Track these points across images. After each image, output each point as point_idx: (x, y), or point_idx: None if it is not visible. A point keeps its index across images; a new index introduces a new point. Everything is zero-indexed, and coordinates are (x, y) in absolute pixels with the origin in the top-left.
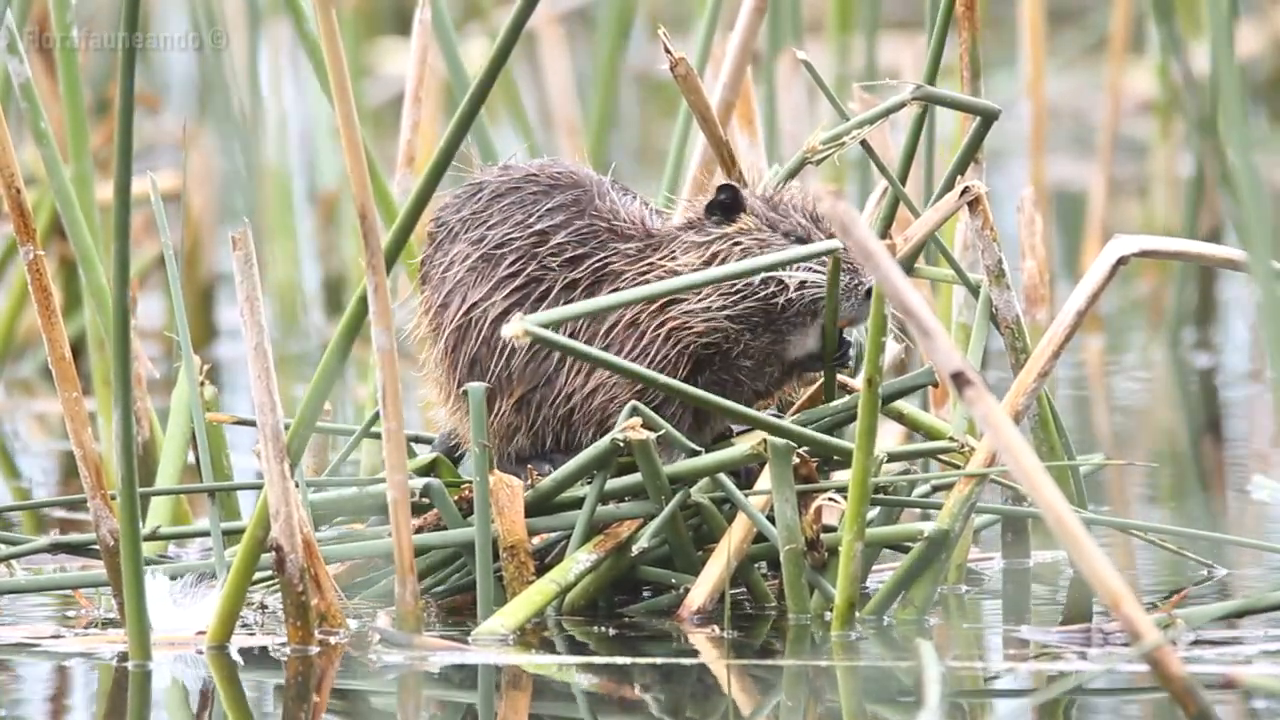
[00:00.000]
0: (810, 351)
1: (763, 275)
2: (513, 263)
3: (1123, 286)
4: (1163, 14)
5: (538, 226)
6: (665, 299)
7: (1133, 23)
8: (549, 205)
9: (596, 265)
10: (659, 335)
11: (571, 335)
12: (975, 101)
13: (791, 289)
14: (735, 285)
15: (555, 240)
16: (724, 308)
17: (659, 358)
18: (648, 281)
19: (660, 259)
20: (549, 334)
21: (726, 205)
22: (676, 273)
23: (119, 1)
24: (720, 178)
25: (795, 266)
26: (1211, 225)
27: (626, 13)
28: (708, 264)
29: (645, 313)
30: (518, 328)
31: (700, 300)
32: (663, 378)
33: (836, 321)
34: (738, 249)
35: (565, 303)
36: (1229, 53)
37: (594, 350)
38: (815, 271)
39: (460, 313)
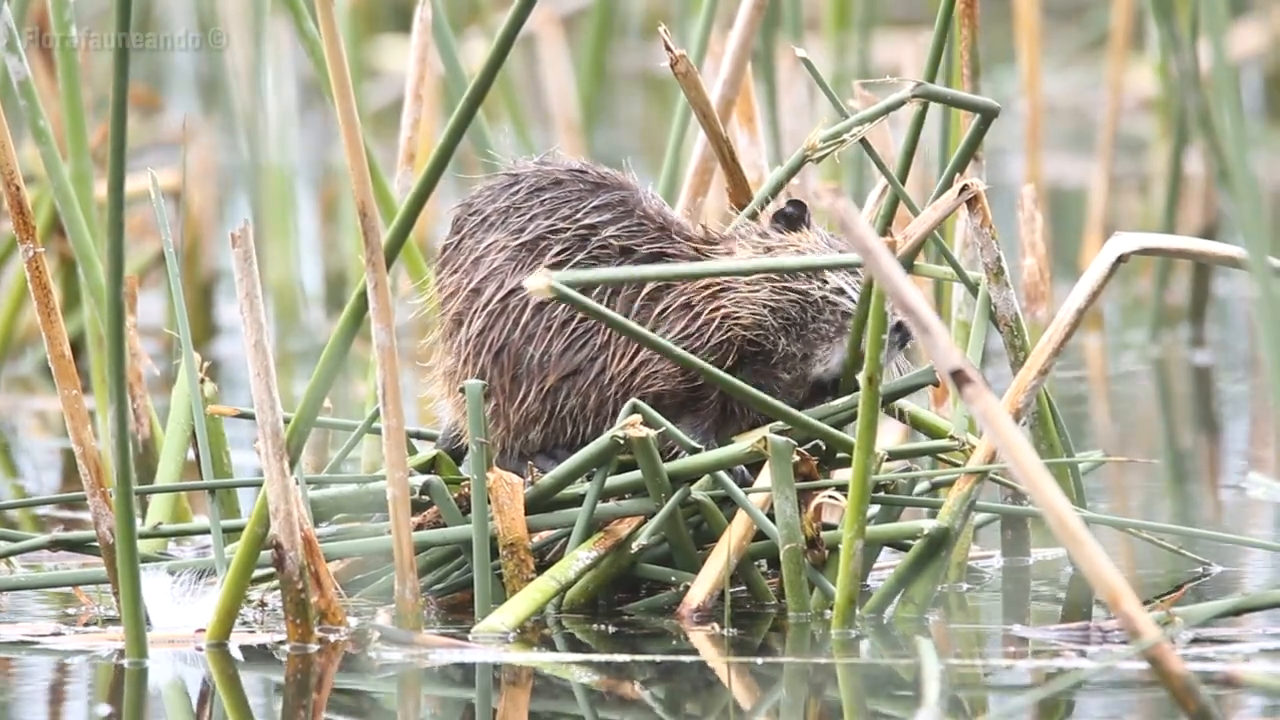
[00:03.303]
0: (832, 372)
1: (806, 271)
2: (559, 253)
3: (1121, 284)
4: (1162, 12)
5: (586, 221)
6: (719, 286)
7: (1133, 20)
8: (595, 203)
9: (651, 254)
10: (713, 320)
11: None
12: (975, 98)
13: (829, 286)
14: (782, 275)
15: (605, 233)
16: (766, 299)
17: (710, 342)
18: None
19: (716, 249)
20: (570, 291)
21: (792, 218)
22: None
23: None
24: (719, 174)
25: (838, 274)
26: (1206, 221)
27: (608, 11)
28: (759, 253)
29: (700, 296)
30: (541, 282)
31: (750, 289)
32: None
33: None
34: (789, 249)
35: (614, 293)
36: (1223, 53)
37: (617, 316)
38: (855, 289)
39: (496, 299)
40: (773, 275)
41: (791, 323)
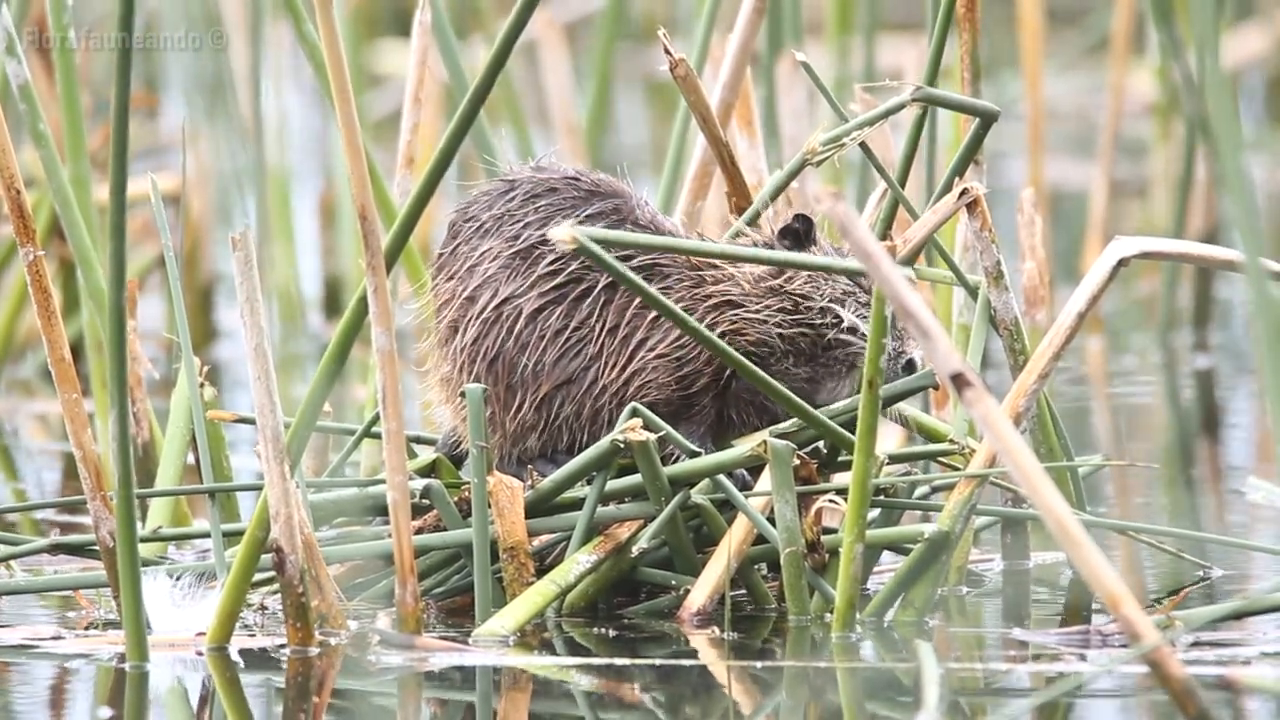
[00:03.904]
0: (840, 398)
1: (821, 305)
2: (552, 261)
3: (1122, 287)
4: (1162, 16)
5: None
6: (723, 300)
7: (1134, 24)
8: (589, 211)
9: (645, 264)
10: (712, 331)
11: (615, 327)
12: (975, 102)
13: (844, 326)
14: (797, 306)
15: None
16: (780, 324)
17: (705, 353)
18: (702, 279)
19: (718, 259)
20: (595, 247)
21: (798, 234)
22: (733, 276)
23: (117, 3)
24: (720, 180)
25: (855, 313)
26: (1208, 226)
27: (619, 18)
28: (772, 278)
29: (703, 306)
30: (565, 234)
31: (759, 310)
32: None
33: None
34: (802, 274)
35: (606, 302)
36: (1216, 55)
37: (648, 287)
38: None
39: (490, 307)
40: (785, 305)
41: (800, 352)
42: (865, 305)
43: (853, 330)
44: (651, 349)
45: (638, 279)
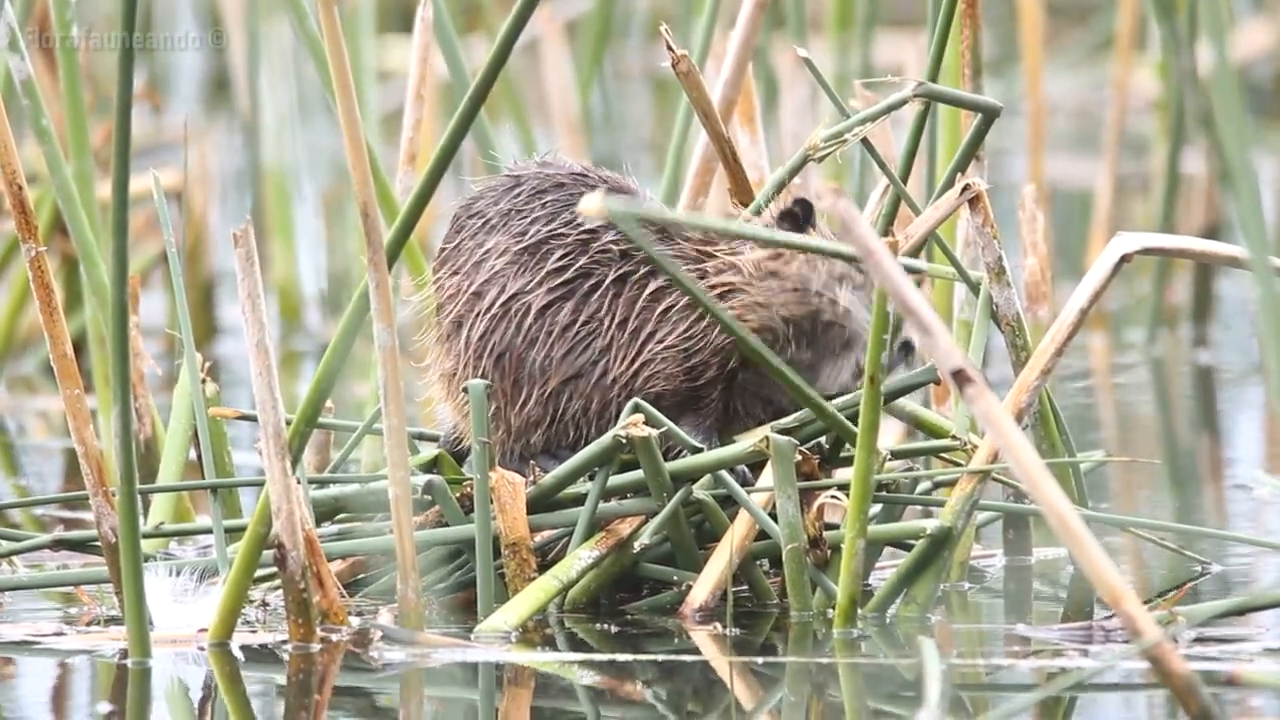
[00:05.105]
0: (843, 385)
1: (817, 289)
2: (561, 257)
3: (1126, 284)
4: (1164, 12)
5: (587, 225)
6: (726, 289)
7: (1139, 21)
8: None
9: (649, 258)
10: (716, 322)
11: (624, 320)
12: (977, 98)
13: (839, 310)
14: (795, 290)
15: (606, 238)
16: (782, 305)
17: (712, 343)
18: (705, 271)
19: (719, 250)
20: (625, 219)
21: (797, 217)
22: (735, 264)
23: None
24: (722, 175)
25: (850, 292)
26: (1209, 221)
27: (608, 15)
28: (773, 260)
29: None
30: (594, 205)
31: (760, 296)
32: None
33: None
34: (801, 256)
35: (615, 296)
36: (1224, 50)
37: (674, 268)
38: (864, 309)
39: (498, 303)
40: (786, 287)
41: (802, 334)
42: (859, 287)
43: (846, 312)
44: (660, 341)
45: (658, 254)
